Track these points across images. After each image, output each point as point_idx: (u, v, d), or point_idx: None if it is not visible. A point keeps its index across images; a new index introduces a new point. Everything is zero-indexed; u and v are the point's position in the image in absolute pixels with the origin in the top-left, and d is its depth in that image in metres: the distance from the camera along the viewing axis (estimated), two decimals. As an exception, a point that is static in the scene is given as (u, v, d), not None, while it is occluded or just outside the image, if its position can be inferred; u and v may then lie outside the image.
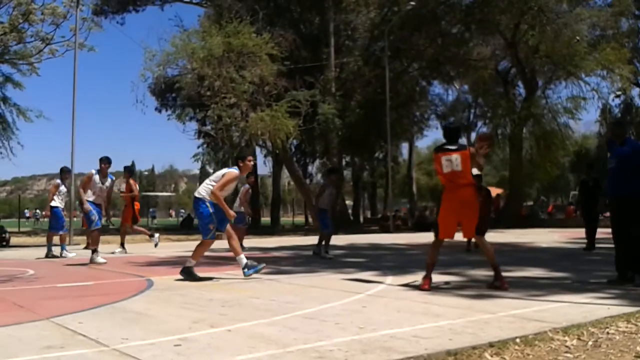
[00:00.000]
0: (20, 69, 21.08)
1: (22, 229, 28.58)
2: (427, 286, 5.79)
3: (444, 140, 6.14)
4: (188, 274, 6.90)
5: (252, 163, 7.44)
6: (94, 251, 9.66)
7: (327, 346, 3.41)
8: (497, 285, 5.82)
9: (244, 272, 6.89)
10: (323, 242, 10.59)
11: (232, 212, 7.12)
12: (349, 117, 27.15)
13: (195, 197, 7.07)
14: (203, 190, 7.00)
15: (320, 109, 23.85)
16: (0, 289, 6.36)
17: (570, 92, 26.64)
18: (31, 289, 6.38)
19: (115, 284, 6.96)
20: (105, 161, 9.93)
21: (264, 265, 7.11)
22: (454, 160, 5.85)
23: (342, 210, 30.14)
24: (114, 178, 10.22)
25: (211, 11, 28.89)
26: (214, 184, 6.97)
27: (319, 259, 10.06)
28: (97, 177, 9.74)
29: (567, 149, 27.90)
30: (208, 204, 6.95)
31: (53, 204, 11.35)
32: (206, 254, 10.33)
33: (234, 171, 7.07)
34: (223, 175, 7.00)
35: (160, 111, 34.08)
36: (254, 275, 6.91)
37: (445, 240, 6.13)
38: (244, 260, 6.93)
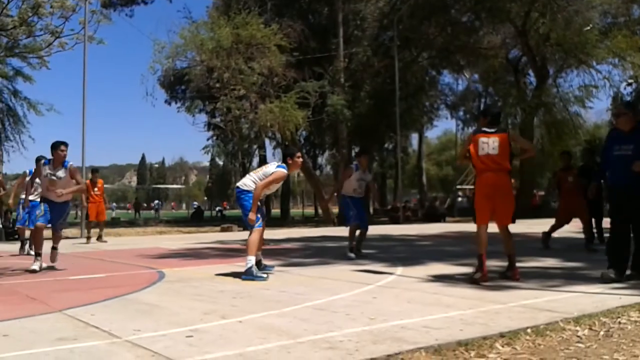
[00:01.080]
0: (30, 62, 21.18)
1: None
2: (485, 277, 5.63)
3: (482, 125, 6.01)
4: (251, 275, 6.22)
5: (301, 160, 6.84)
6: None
7: (338, 337, 3.42)
8: (509, 276, 5.79)
9: (242, 275, 6.28)
10: (354, 239, 8.98)
11: (253, 216, 6.37)
12: (358, 108, 27.06)
13: (240, 189, 6.60)
14: (249, 181, 6.57)
15: (329, 99, 23.79)
16: (13, 282, 6.43)
17: (581, 81, 26.42)
18: (43, 282, 6.44)
19: (127, 276, 7.01)
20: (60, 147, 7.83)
21: (265, 278, 6.23)
22: (491, 143, 5.77)
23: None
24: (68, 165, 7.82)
25: (219, 2, 28.84)
26: (260, 179, 6.51)
27: (330, 251, 10.07)
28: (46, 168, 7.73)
29: (578, 138, 27.67)
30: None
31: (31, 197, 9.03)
32: (218, 245, 10.39)
33: (282, 171, 6.54)
34: (272, 174, 6.52)
35: (170, 104, 34.22)
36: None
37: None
38: (252, 264, 6.29)
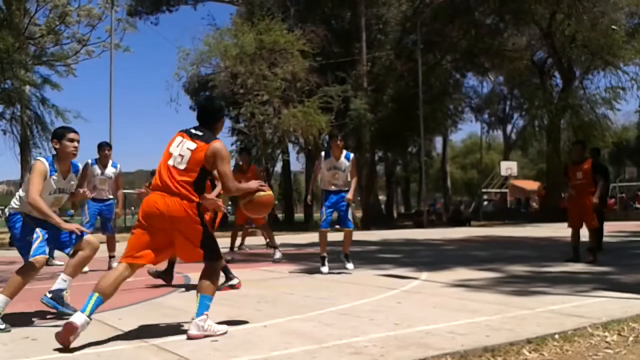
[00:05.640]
0: (58, 70, 21.55)
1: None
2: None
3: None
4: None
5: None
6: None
7: (363, 342, 3.41)
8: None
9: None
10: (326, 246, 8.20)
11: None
12: (382, 112, 27.01)
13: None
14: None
15: (352, 104, 23.79)
16: (40, 287, 6.53)
17: (608, 82, 25.98)
18: (72, 286, 6.52)
19: (153, 281, 7.07)
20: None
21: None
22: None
23: (375, 206, 30.05)
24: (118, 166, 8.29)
25: (243, 9, 29.10)
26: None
27: (353, 255, 10.02)
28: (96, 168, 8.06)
29: (606, 141, 27.23)
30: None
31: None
32: (242, 250, 10.43)
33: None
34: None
35: (194, 109, 34.52)
36: (288, 272, 6.91)
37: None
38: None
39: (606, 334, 3.53)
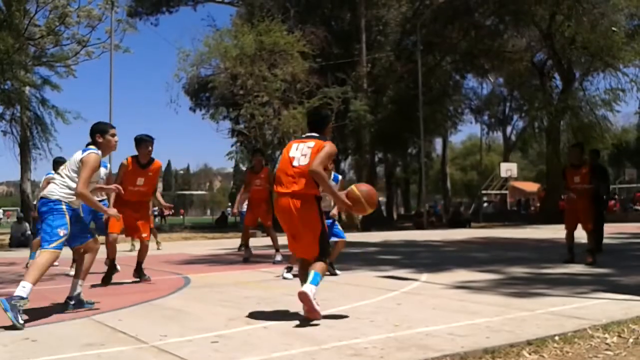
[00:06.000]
0: (58, 71, 21.51)
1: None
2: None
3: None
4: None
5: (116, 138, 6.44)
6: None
7: (363, 344, 3.41)
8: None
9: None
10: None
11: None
12: (381, 113, 27.04)
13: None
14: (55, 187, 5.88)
15: (352, 105, 23.81)
16: (42, 287, 6.53)
17: (608, 84, 26.03)
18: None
19: (153, 282, 7.08)
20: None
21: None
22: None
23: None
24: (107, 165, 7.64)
25: (243, 10, 29.12)
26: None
27: (353, 257, 10.05)
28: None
29: (605, 142, 27.25)
30: None
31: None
32: (242, 251, 10.42)
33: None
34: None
35: (194, 111, 34.52)
36: (289, 274, 6.88)
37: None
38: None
39: (606, 335, 3.53)
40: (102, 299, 5.62)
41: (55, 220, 4.53)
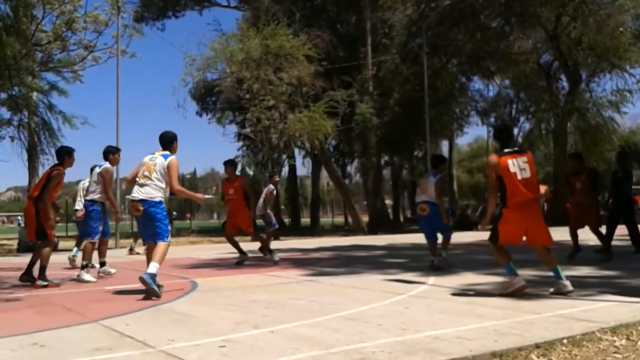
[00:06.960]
0: (65, 76, 21.62)
1: (69, 233, 29.41)
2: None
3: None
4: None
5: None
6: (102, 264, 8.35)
7: (370, 347, 3.41)
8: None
9: None
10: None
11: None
12: (387, 116, 27.01)
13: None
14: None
15: (358, 108, 23.79)
16: (50, 293, 6.56)
17: (614, 85, 25.94)
18: (79, 292, 6.57)
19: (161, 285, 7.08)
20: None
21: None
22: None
23: (382, 210, 30.02)
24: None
25: (249, 14, 29.17)
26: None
27: (360, 260, 10.04)
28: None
29: (613, 144, 27.06)
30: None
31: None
32: (249, 255, 10.44)
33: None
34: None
35: (201, 115, 34.68)
36: (296, 277, 6.91)
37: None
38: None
39: (615, 338, 3.52)
40: (111, 303, 5.64)
41: (166, 218, 5.92)
